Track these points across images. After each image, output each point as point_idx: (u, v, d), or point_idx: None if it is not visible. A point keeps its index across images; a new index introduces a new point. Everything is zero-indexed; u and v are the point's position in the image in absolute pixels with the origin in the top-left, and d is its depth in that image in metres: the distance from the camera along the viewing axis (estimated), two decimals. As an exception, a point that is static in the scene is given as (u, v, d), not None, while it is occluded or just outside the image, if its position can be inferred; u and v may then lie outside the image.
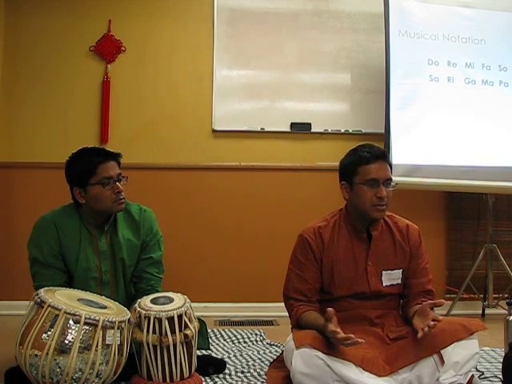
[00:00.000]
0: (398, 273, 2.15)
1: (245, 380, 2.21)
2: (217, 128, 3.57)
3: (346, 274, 2.12)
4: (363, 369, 1.88)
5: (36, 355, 1.83)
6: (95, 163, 2.20)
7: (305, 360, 1.87)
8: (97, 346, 1.86)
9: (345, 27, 3.66)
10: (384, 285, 2.12)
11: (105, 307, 2.01)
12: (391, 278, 2.14)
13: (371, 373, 1.88)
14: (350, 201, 2.14)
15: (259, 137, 3.60)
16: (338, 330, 1.82)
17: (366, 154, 2.08)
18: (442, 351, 1.92)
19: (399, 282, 2.16)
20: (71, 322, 1.85)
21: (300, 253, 2.15)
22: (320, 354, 1.86)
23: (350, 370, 1.86)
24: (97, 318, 1.88)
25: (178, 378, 2.03)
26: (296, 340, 1.92)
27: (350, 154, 2.16)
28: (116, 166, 2.26)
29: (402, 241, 2.18)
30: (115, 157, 2.28)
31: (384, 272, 2.13)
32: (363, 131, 3.61)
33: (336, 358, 1.87)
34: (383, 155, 2.11)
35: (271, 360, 2.37)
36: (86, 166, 2.20)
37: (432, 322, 1.86)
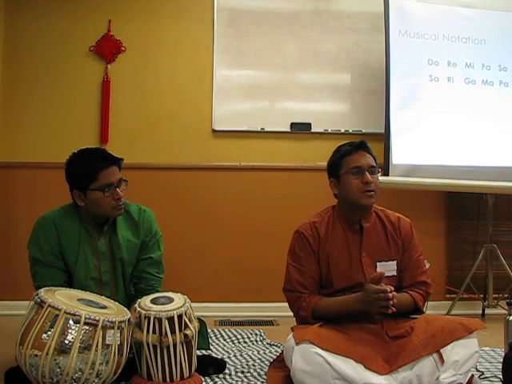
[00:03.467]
0: (392, 264, 2.17)
1: (245, 380, 2.21)
2: (217, 128, 3.57)
3: (342, 266, 2.15)
4: (364, 366, 1.88)
5: (36, 355, 1.83)
6: (96, 169, 2.18)
7: (305, 357, 1.87)
8: (97, 345, 1.86)
9: (345, 27, 3.65)
10: None
11: (105, 307, 2.01)
12: (386, 269, 2.14)
13: (371, 371, 1.88)
14: (340, 195, 2.21)
15: (259, 137, 3.60)
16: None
17: (347, 147, 2.20)
18: (441, 350, 1.92)
19: (395, 273, 2.18)
20: (71, 321, 1.85)
21: (298, 247, 2.19)
22: (320, 350, 1.86)
23: (349, 368, 1.86)
24: (97, 318, 1.88)
25: (178, 378, 2.04)
26: (296, 337, 1.93)
27: (333, 153, 2.26)
28: (117, 172, 2.24)
29: (394, 233, 2.21)
30: (117, 162, 2.25)
31: (378, 263, 2.15)
32: (363, 131, 3.61)
33: (336, 354, 1.87)
34: (363, 145, 2.20)
35: (271, 360, 2.37)
36: (86, 171, 2.18)
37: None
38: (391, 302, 1.91)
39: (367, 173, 2.13)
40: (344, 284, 2.14)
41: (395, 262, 2.18)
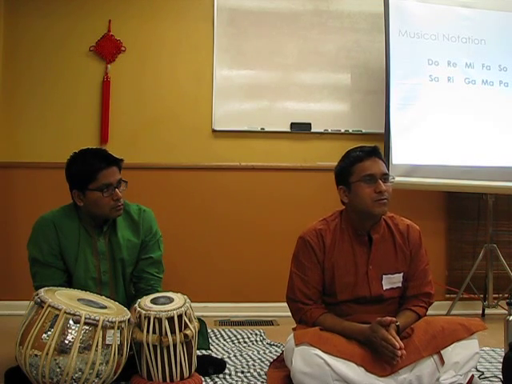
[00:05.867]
0: (398, 277, 2.13)
1: (245, 380, 2.21)
2: (217, 128, 3.57)
3: (347, 279, 2.10)
4: (365, 369, 1.88)
5: (36, 355, 1.83)
6: (96, 169, 2.18)
7: (305, 359, 1.87)
8: (97, 345, 1.86)
9: (345, 27, 3.66)
10: (384, 288, 2.11)
11: (105, 307, 2.01)
12: (391, 281, 2.12)
13: (372, 373, 1.88)
14: (350, 203, 2.11)
15: (259, 137, 3.60)
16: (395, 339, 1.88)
17: (358, 153, 2.09)
18: (442, 351, 1.92)
19: (399, 285, 2.14)
20: (71, 321, 1.85)
21: (302, 255, 2.13)
22: (320, 352, 1.86)
23: (350, 370, 1.86)
24: (97, 317, 1.88)
25: (178, 378, 2.03)
26: (296, 338, 1.93)
27: (342, 158, 2.16)
28: (117, 172, 2.24)
29: (403, 243, 2.15)
30: (117, 162, 2.25)
31: (384, 276, 2.11)
32: (363, 131, 3.61)
33: (337, 357, 1.87)
34: (375, 152, 2.10)
35: (271, 360, 2.37)
36: (86, 171, 2.18)
37: None
38: (399, 360, 1.86)
39: (380, 181, 2.04)
40: (348, 296, 2.10)
41: (401, 274, 2.13)
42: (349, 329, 2.00)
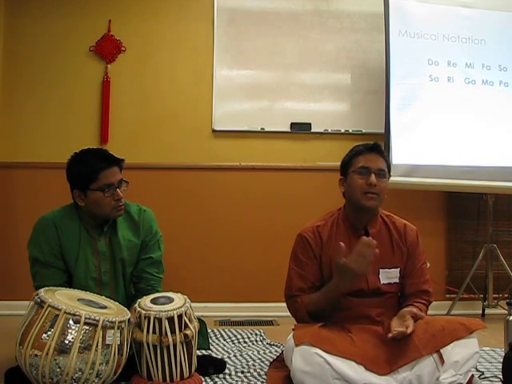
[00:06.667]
0: (395, 271, 2.16)
1: (245, 380, 2.21)
2: (217, 128, 3.57)
3: None
4: (364, 367, 1.88)
5: (36, 355, 1.83)
6: (97, 169, 2.19)
7: (305, 358, 1.87)
8: (97, 345, 1.86)
9: (345, 27, 3.66)
10: (382, 282, 2.13)
11: (105, 307, 2.01)
12: (389, 276, 2.15)
13: (372, 371, 1.88)
14: (346, 193, 2.20)
15: (259, 137, 3.60)
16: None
17: (361, 147, 2.20)
18: (441, 350, 1.92)
19: (397, 280, 2.17)
20: (71, 322, 1.85)
21: (300, 251, 2.18)
22: (320, 351, 1.86)
23: (350, 368, 1.86)
24: (97, 317, 1.88)
25: (178, 378, 2.03)
26: (296, 338, 1.93)
27: (349, 151, 2.25)
28: (118, 172, 2.24)
29: (400, 240, 2.19)
30: (118, 162, 2.25)
31: (381, 270, 2.14)
32: (363, 131, 3.61)
33: (336, 355, 1.87)
34: (377, 148, 2.19)
35: (271, 360, 2.37)
36: (87, 171, 2.19)
37: (397, 330, 1.90)
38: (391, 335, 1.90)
39: (373, 175, 2.10)
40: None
41: (398, 269, 2.17)
42: (327, 289, 2.05)
